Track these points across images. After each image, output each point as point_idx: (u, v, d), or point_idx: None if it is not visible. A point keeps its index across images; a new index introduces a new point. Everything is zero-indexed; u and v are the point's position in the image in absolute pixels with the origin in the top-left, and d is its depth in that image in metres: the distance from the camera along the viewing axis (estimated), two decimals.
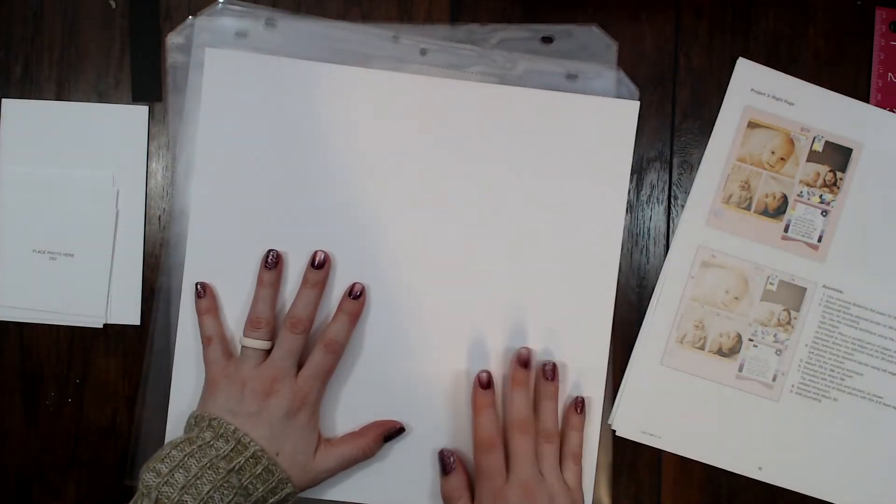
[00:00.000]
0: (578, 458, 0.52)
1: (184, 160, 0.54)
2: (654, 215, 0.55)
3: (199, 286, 0.52)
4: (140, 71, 0.55)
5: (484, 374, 0.52)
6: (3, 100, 0.55)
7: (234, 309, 0.53)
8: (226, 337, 0.53)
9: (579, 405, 0.53)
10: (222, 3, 0.54)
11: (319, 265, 0.51)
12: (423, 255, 0.53)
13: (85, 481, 0.55)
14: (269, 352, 0.51)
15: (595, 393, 0.54)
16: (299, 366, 0.51)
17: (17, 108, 0.55)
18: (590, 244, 0.54)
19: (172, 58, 0.54)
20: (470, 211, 0.53)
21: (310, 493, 0.52)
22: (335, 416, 0.53)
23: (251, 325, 0.51)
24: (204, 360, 0.51)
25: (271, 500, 0.48)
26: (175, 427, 0.53)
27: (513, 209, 0.53)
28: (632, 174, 0.54)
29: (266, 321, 0.51)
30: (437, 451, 0.52)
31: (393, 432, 0.52)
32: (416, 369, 0.53)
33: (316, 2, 0.55)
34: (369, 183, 0.53)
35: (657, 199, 0.55)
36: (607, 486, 0.54)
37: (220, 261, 0.53)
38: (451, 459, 0.51)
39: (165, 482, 0.45)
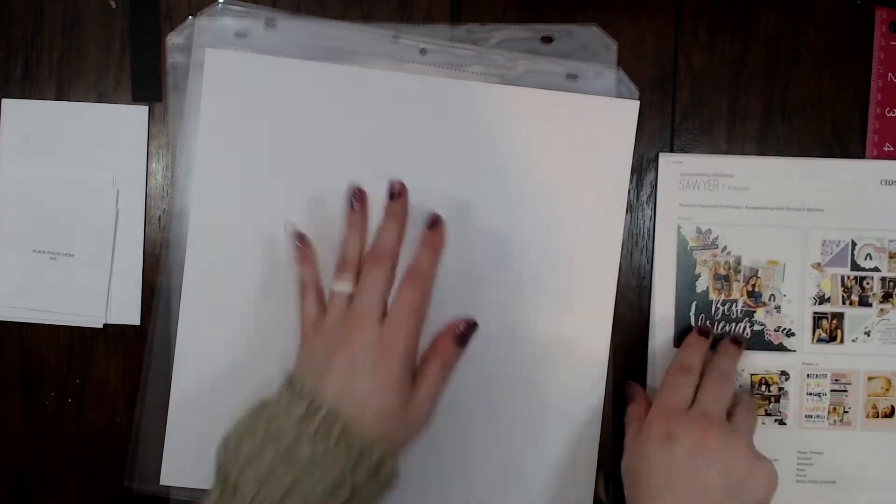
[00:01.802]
0: (751, 405, 0.52)
1: (184, 160, 0.54)
2: (654, 216, 0.55)
3: (298, 235, 0.49)
4: (140, 71, 0.55)
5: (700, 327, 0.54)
6: (3, 100, 0.55)
7: (235, 309, 0.53)
8: (322, 289, 0.48)
9: (740, 338, 0.54)
10: (222, 3, 0.54)
11: (397, 195, 0.47)
12: None
13: (85, 481, 0.55)
14: None
15: (595, 393, 0.54)
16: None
17: (17, 108, 0.55)
18: (590, 244, 0.54)
19: (172, 58, 0.54)
20: (469, 210, 0.53)
21: None
22: None
23: (338, 269, 0.46)
24: (299, 315, 0.47)
25: (362, 468, 0.40)
26: (175, 427, 0.53)
27: (512, 209, 0.53)
28: (632, 174, 0.54)
29: (353, 263, 0.46)
30: (434, 450, 0.51)
31: (464, 333, 0.46)
32: None
33: (316, 2, 0.55)
34: (369, 182, 0.53)
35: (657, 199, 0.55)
36: (607, 487, 0.54)
37: (220, 261, 0.53)
38: (633, 388, 0.53)
39: (233, 450, 0.41)
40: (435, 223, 0.47)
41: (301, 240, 0.49)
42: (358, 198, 0.48)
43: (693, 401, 0.49)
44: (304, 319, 0.47)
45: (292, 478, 0.39)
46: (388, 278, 0.45)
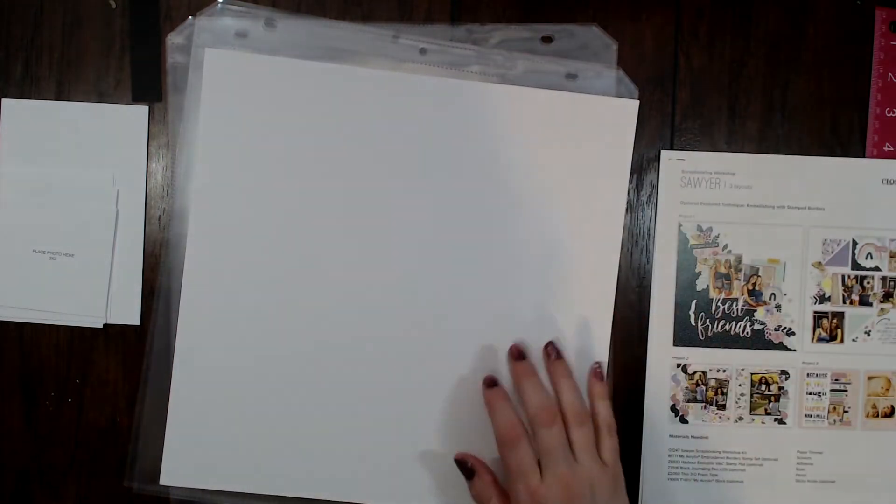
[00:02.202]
0: (613, 428, 0.49)
1: (184, 160, 0.54)
2: (655, 215, 0.55)
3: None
4: (140, 71, 0.55)
5: (488, 377, 0.51)
6: (3, 100, 0.55)
7: (235, 309, 0.53)
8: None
9: (598, 373, 0.51)
10: (221, 3, 0.54)
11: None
12: (423, 252, 0.53)
13: (85, 481, 0.55)
14: None
15: None
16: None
17: (17, 108, 0.55)
18: (590, 244, 0.54)
19: (172, 58, 0.54)
20: (469, 209, 0.53)
21: (308, 494, 0.52)
22: (337, 420, 0.53)
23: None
24: None
25: None
26: (175, 427, 0.53)
27: (512, 208, 0.53)
28: (632, 174, 0.54)
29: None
30: (434, 450, 0.52)
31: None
32: (417, 373, 0.53)
33: (316, 2, 0.55)
34: (370, 182, 0.53)
35: (657, 199, 0.55)
36: None
37: (220, 261, 0.53)
38: (469, 463, 0.50)
39: None
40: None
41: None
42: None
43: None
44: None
45: None
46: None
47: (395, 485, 0.54)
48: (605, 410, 0.50)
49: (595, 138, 0.53)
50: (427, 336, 0.53)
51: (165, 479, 0.53)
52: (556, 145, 0.53)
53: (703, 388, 0.55)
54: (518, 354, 0.51)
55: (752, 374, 0.55)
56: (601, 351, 0.54)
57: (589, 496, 0.46)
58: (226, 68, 0.53)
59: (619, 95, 0.54)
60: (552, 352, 0.51)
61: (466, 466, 0.50)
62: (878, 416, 0.55)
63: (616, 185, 0.54)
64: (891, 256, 0.55)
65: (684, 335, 0.55)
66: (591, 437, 0.48)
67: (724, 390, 0.55)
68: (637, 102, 0.54)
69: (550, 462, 0.47)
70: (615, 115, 0.54)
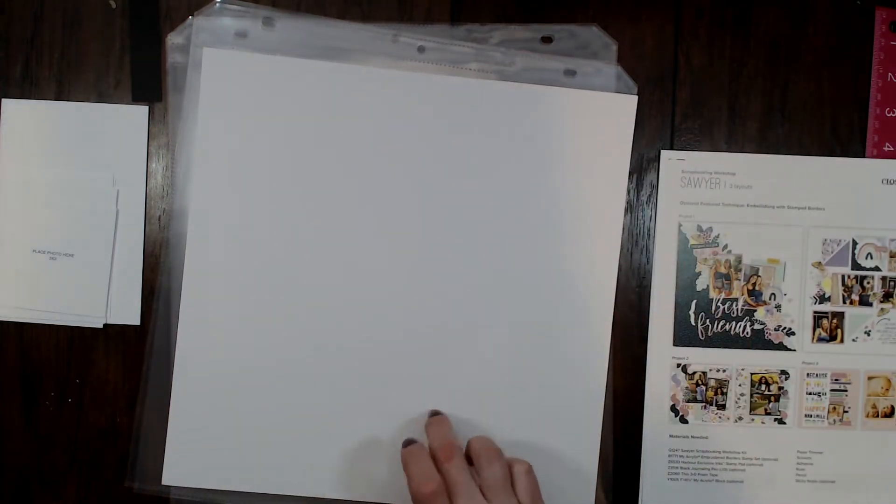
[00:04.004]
0: (531, 471, 0.47)
1: (184, 160, 0.54)
2: (655, 215, 0.55)
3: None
4: (140, 71, 0.55)
5: (405, 439, 0.49)
6: (3, 100, 0.55)
7: (235, 308, 0.53)
8: None
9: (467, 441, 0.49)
10: (220, 2, 0.54)
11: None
12: (422, 250, 0.53)
13: (85, 481, 0.55)
14: None
15: (595, 394, 0.54)
16: None
17: (17, 108, 0.55)
18: (589, 243, 0.54)
19: (172, 58, 0.54)
20: (467, 208, 0.53)
21: (309, 493, 0.52)
22: (338, 419, 0.53)
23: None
24: None
25: None
26: (177, 427, 0.53)
27: (512, 207, 0.53)
28: (632, 174, 0.54)
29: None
30: None
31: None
32: (417, 373, 0.53)
33: (316, 1, 0.55)
34: (369, 181, 0.53)
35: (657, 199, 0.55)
36: (606, 489, 0.54)
37: (220, 260, 0.53)
38: None
39: None
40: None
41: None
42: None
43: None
44: None
45: None
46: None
47: (396, 484, 0.54)
48: (519, 460, 0.48)
49: (594, 134, 0.53)
50: (427, 336, 0.53)
51: (168, 479, 0.53)
52: (555, 141, 0.53)
53: (703, 388, 0.55)
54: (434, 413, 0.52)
55: (752, 374, 0.55)
56: (601, 351, 0.54)
57: None
58: (224, 68, 0.53)
59: (618, 92, 0.54)
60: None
61: None
62: (878, 416, 0.55)
63: (615, 182, 0.54)
64: (891, 256, 0.55)
65: (684, 335, 0.55)
66: (502, 475, 0.46)
67: (724, 390, 0.55)
68: (636, 98, 0.53)
69: (457, 499, 0.44)
70: (614, 111, 0.53)
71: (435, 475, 0.45)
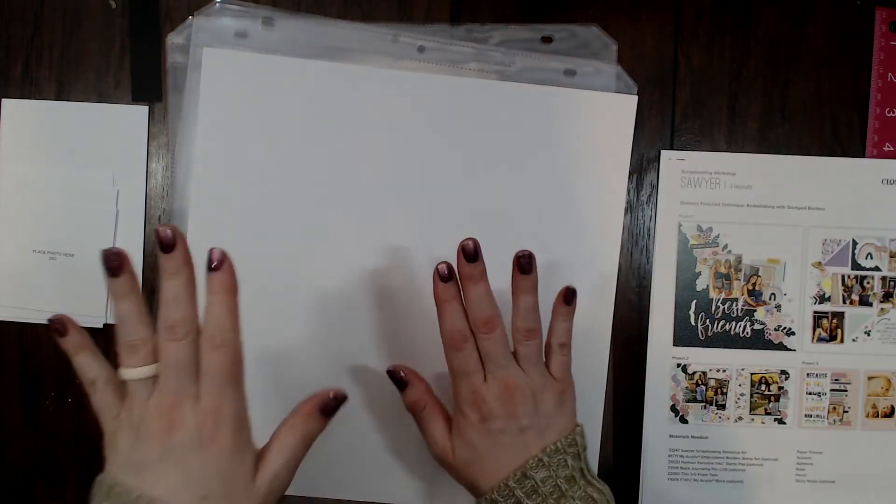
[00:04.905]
0: (566, 346, 0.47)
1: (184, 160, 0.54)
2: (655, 215, 0.55)
3: (56, 323, 0.42)
4: (140, 71, 0.55)
5: (443, 266, 0.45)
6: (3, 100, 0.55)
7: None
8: (114, 375, 0.41)
9: (569, 295, 0.47)
10: (220, 2, 0.54)
11: (170, 246, 0.41)
12: (422, 250, 0.53)
13: (85, 481, 0.55)
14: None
15: (595, 394, 0.54)
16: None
17: (17, 108, 0.55)
18: (589, 243, 0.54)
19: (172, 58, 0.54)
20: (466, 208, 0.53)
21: (309, 492, 0.52)
22: (339, 419, 0.53)
23: (125, 353, 0.40)
24: (95, 412, 0.40)
25: None
26: None
27: (511, 206, 0.53)
28: (632, 174, 0.54)
29: (143, 341, 0.40)
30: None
31: (330, 403, 0.43)
32: (420, 370, 0.53)
33: (315, 2, 0.55)
34: (369, 180, 0.53)
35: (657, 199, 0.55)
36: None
37: None
38: (402, 374, 0.47)
39: None
40: (219, 262, 0.42)
41: (61, 328, 0.42)
42: (117, 262, 0.41)
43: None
44: (102, 415, 0.40)
45: None
46: (193, 350, 0.40)
47: (396, 483, 0.54)
48: (559, 330, 0.47)
49: (594, 134, 0.53)
50: (428, 334, 0.53)
51: None
52: (556, 141, 0.53)
53: (703, 388, 0.55)
54: (470, 254, 0.44)
55: (751, 374, 0.55)
56: (601, 351, 0.54)
57: (531, 403, 0.45)
58: (224, 68, 0.53)
59: (618, 92, 0.54)
60: (524, 264, 0.45)
61: (401, 377, 0.48)
62: (878, 416, 0.55)
63: (615, 182, 0.54)
64: (891, 256, 0.55)
65: (684, 335, 0.55)
66: (536, 352, 0.45)
67: (724, 390, 0.55)
68: (636, 98, 0.54)
69: (492, 366, 0.45)
70: (614, 111, 0.54)
71: (467, 326, 0.45)
